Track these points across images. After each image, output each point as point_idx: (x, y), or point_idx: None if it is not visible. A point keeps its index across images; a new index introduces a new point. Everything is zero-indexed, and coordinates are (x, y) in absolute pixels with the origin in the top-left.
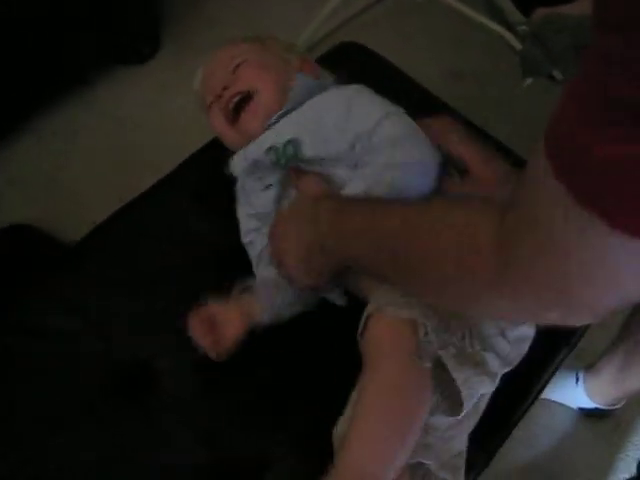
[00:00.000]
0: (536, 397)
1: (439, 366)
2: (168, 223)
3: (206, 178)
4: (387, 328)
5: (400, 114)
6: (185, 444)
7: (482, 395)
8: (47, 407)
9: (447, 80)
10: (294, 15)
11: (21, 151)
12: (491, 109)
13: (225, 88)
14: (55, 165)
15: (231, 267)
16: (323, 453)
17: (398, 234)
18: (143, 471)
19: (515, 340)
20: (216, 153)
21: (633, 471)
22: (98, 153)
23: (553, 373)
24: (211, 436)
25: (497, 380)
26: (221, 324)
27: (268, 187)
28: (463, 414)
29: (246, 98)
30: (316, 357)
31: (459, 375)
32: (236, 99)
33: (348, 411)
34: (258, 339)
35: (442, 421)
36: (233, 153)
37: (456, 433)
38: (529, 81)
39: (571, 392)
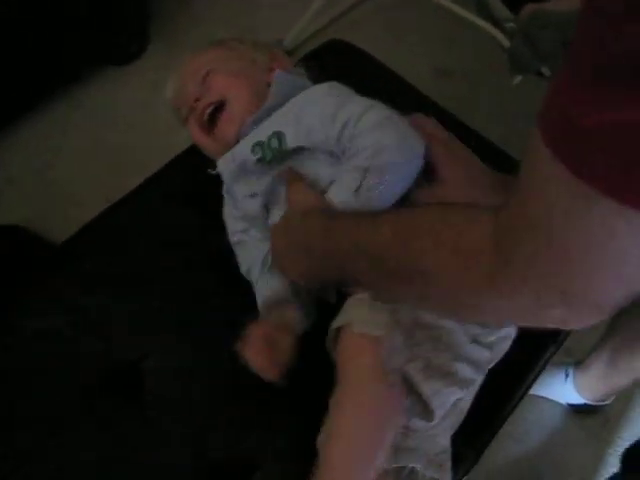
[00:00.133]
0: (524, 394)
1: (404, 379)
2: (156, 223)
3: (194, 177)
4: (355, 343)
5: (383, 106)
6: (182, 444)
7: (457, 399)
8: (46, 407)
9: (436, 78)
10: (282, 12)
11: (10, 151)
12: (481, 107)
13: (197, 100)
14: (44, 165)
15: (221, 266)
16: (314, 453)
17: (389, 244)
18: (141, 471)
19: (493, 343)
20: (202, 154)
21: None
22: (87, 153)
23: (541, 370)
24: (206, 436)
25: (476, 382)
26: (274, 342)
27: (254, 195)
28: (435, 422)
29: (219, 107)
30: (306, 359)
31: (427, 388)
32: (209, 110)
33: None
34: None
35: (421, 423)
36: (210, 161)
37: (438, 431)
38: (518, 78)
39: (560, 388)
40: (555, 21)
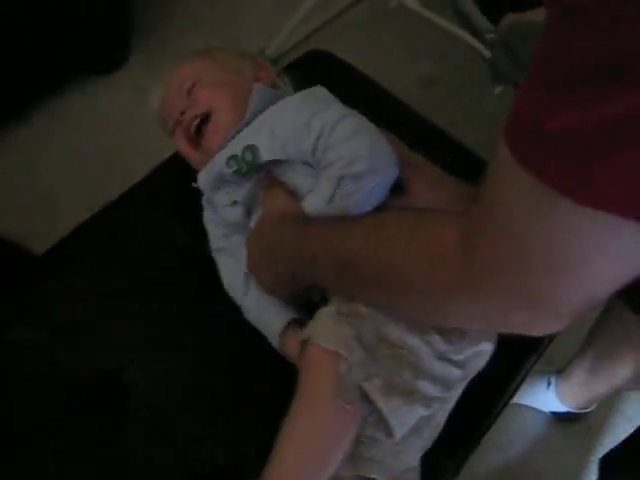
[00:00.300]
0: (506, 403)
1: (362, 396)
2: (139, 232)
3: (178, 185)
4: (315, 357)
5: (358, 114)
6: (166, 456)
7: (428, 416)
8: (24, 421)
9: (419, 87)
10: (265, 22)
11: None
12: (462, 117)
13: (183, 112)
14: (27, 174)
15: (206, 276)
16: None
17: (361, 247)
18: None
19: (464, 361)
20: (184, 162)
21: None
22: (71, 162)
23: (522, 380)
24: (191, 448)
25: (449, 400)
26: None
27: (234, 204)
28: (398, 438)
29: (205, 119)
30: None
31: (385, 406)
32: (195, 122)
33: None
34: (230, 352)
35: (382, 437)
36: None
37: (405, 448)
38: (499, 88)
39: (543, 396)
40: (535, 32)
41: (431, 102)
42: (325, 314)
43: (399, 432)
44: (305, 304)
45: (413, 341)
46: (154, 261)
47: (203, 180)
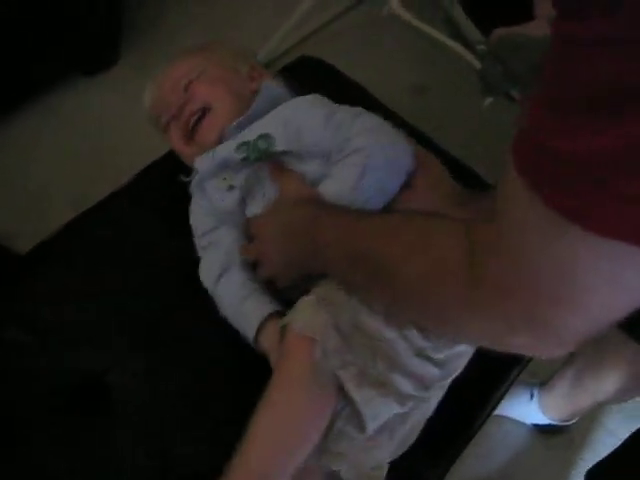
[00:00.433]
0: (489, 415)
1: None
2: (123, 233)
3: (165, 188)
4: (292, 342)
5: (370, 113)
6: (149, 458)
7: (410, 413)
8: (6, 422)
9: (409, 96)
10: (258, 27)
11: None
12: (451, 126)
13: (181, 107)
14: (14, 174)
15: (191, 278)
16: None
17: (372, 245)
18: None
19: (443, 361)
20: (173, 163)
21: None
22: (61, 161)
23: (506, 391)
24: (173, 451)
25: (430, 399)
26: None
27: (231, 188)
28: (369, 433)
29: (201, 114)
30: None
31: (358, 395)
32: (195, 117)
33: None
34: (216, 353)
35: (352, 432)
36: (186, 168)
37: (374, 445)
38: (489, 100)
39: (525, 408)
40: (525, 45)
41: (420, 110)
42: (305, 302)
43: (371, 425)
44: (288, 299)
45: (390, 334)
46: (140, 262)
47: (205, 165)
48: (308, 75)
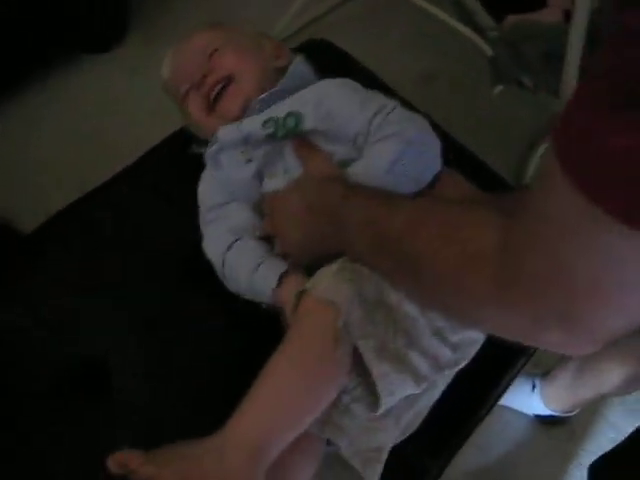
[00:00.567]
0: (492, 406)
1: (356, 355)
2: (128, 216)
3: (169, 170)
4: (313, 307)
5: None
6: (148, 442)
7: (418, 397)
8: (7, 405)
9: (417, 82)
10: (265, 9)
11: None
12: (460, 114)
13: (205, 76)
14: (16, 151)
15: (193, 263)
16: None
17: (401, 230)
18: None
19: (458, 344)
20: (177, 146)
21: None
22: (61, 140)
23: (510, 382)
24: (160, 436)
25: (437, 384)
26: None
27: (249, 161)
28: (381, 411)
29: (225, 84)
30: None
31: (376, 368)
32: (219, 87)
33: None
34: (212, 341)
35: (363, 410)
36: (200, 140)
37: (379, 427)
38: (499, 88)
39: (527, 399)
40: (538, 32)
41: (429, 97)
42: (326, 271)
43: (386, 401)
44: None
45: (412, 310)
46: (141, 246)
47: (228, 135)
48: (317, 58)
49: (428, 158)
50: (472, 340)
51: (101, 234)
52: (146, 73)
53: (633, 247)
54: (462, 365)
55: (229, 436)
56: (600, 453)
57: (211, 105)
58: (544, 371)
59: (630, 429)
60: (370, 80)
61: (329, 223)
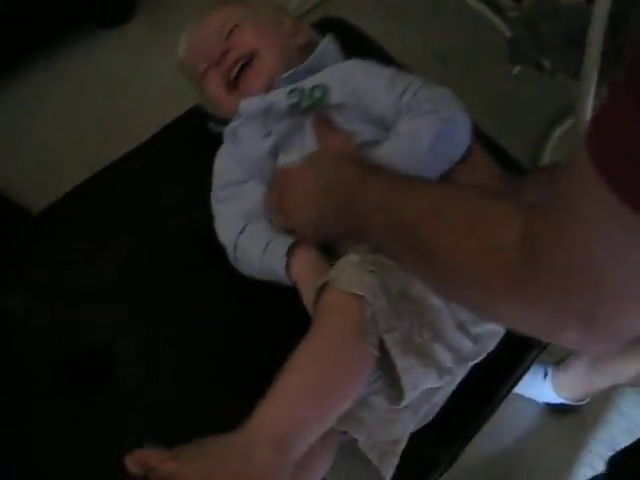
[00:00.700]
0: (505, 396)
1: (381, 349)
2: (138, 197)
3: (181, 150)
4: (338, 299)
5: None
6: (149, 430)
7: (436, 389)
8: (9, 389)
9: (430, 61)
10: None
11: None
12: (474, 94)
13: (224, 53)
14: (24, 128)
15: (202, 246)
16: None
17: (421, 216)
18: (106, 455)
19: (479, 336)
20: (189, 125)
21: (596, 467)
22: (70, 118)
23: (522, 375)
24: (162, 421)
25: (456, 377)
26: None
27: (267, 135)
28: (404, 404)
29: (247, 62)
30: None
31: (401, 362)
32: (240, 63)
33: None
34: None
35: (382, 402)
36: (216, 119)
37: (397, 418)
38: (517, 68)
39: (539, 387)
40: (559, 13)
41: (444, 78)
42: (347, 262)
43: (409, 395)
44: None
45: (436, 301)
46: (151, 229)
47: (251, 106)
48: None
49: (461, 135)
50: (493, 332)
51: (109, 215)
52: (155, 51)
53: None
54: (482, 357)
55: (255, 432)
56: (611, 441)
57: (232, 83)
58: (557, 359)
59: None
60: (384, 58)
61: (344, 205)
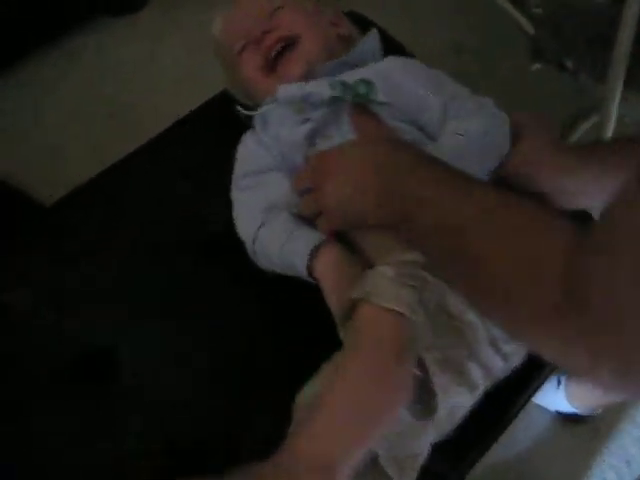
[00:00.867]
0: (522, 408)
1: (419, 366)
2: (151, 195)
3: (195, 147)
4: (375, 316)
5: None
6: (139, 426)
7: (459, 406)
8: (10, 390)
9: (449, 55)
10: None
11: None
12: (492, 90)
13: (265, 32)
14: (34, 117)
15: (212, 249)
16: None
17: (470, 220)
18: (109, 457)
19: (509, 354)
20: (203, 121)
21: (609, 478)
22: (79, 108)
23: (541, 385)
24: (163, 418)
25: (479, 393)
26: None
27: (305, 121)
28: (435, 420)
29: (287, 45)
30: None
31: (439, 380)
32: (281, 44)
33: (312, 383)
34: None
35: (406, 416)
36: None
37: (420, 432)
38: (536, 66)
39: (552, 395)
40: (584, 12)
41: (461, 73)
42: (381, 274)
43: (442, 412)
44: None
45: (473, 317)
46: (161, 228)
47: (288, 92)
48: None
49: (506, 131)
50: (520, 349)
51: (123, 212)
52: (165, 40)
53: None
54: (507, 374)
55: (300, 459)
56: (624, 453)
57: (270, 64)
58: None
59: None
60: (400, 53)
61: (389, 189)
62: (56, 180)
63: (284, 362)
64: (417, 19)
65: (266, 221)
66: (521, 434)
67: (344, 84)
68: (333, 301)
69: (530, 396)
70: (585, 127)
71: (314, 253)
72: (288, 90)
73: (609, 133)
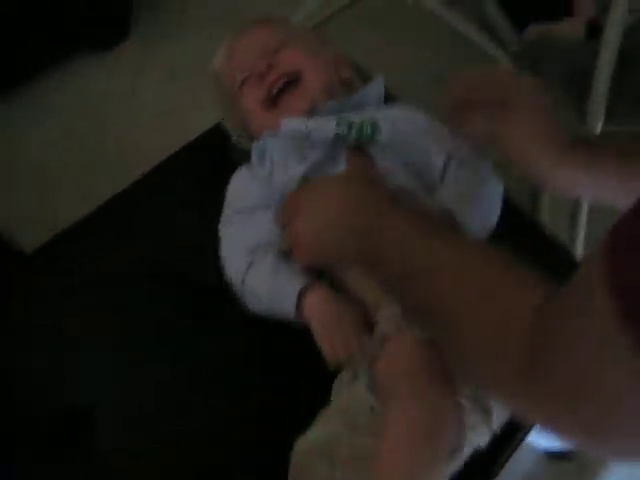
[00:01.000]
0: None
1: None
2: (138, 240)
3: (189, 182)
4: (411, 354)
5: None
6: None
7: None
8: None
9: (431, 88)
10: (272, 10)
11: None
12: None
13: (270, 66)
14: (16, 153)
15: (198, 301)
16: None
17: (436, 272)
18: None
19: None
20: (196, 154)
21: None
22: (62, 142)
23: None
24: None
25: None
26: None
27: (303, 160)
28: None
29: (290, 82)
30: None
31: (470, 420)
32: (284, 80)
33: (314, 430)
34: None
35: None
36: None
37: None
38: None
39: (537, 432)
40: (560, 49)
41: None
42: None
43: (466, 450)
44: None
45: None
46: (148, 279)
47: (291, 126)
48: None
49: (499, 199)
50: None
51: (108, 259)
52: (148, 71)
53: None
54: None
55: None
56: None
57: (272, 99)
58: None
59: None
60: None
61: (365, 227)
62: (39, 223)
63: (274, 414)
64: (400, 52)
65: (253, 262)
66: (506, 471)
67: (349, 122)
68: (324, 340)
69: (525, 435)
70: None
71: (303, 293)
72: (292, 124)
73: None
